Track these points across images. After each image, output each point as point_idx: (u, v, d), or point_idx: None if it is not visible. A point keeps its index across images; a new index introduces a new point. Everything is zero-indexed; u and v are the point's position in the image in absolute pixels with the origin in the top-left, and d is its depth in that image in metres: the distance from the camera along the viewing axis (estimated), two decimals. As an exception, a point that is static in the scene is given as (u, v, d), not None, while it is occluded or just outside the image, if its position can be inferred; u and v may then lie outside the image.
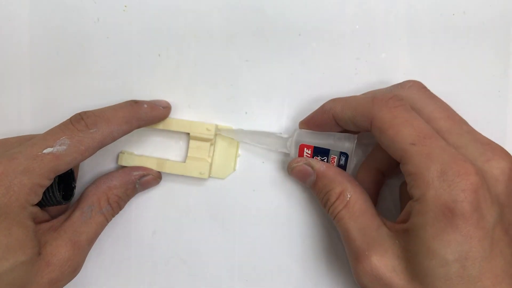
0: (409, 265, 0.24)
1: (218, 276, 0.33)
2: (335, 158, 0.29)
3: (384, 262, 0.24)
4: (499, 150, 0.25)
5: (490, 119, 0.32)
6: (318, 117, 0.30)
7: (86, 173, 0.33)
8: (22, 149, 0.26)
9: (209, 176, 0.33)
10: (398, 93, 0.28)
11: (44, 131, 0.27)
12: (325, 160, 0.30)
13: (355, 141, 0.29)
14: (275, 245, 0.33)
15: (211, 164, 0.33)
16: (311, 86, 0.33)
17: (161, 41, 0.33)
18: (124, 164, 0.33)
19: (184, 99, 0.33)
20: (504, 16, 0.32)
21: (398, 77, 0.32)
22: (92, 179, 0.32)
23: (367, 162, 0.31)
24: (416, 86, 0.29)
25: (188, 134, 0.33)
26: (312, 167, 0.29)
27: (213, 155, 0.33)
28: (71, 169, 0.30)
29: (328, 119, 0.29)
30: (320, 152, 0.30)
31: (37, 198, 0.26)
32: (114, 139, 0.28)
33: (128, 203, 0.32)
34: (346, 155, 0.29)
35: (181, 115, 0.33)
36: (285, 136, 0.31)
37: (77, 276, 0.29)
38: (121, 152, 0.33)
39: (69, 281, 0.28)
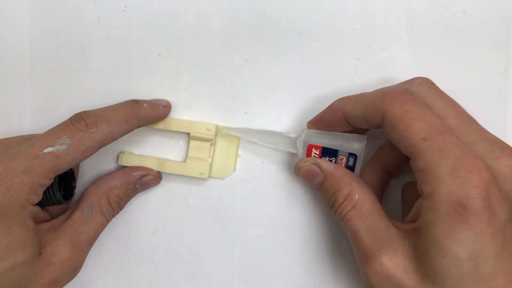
0: (420, 265, 0.23)
1: (218, 276, 0.33)
2: (343, 159, 0.29)
3: (394, 262, 0.24)
4: (508, 149, 0.25)
5: (490, 119, 0.32)
6: (327, 116, 0.29)
7: (86, 173, 0.33)
8: (22, 148, 0.26)
9: (209, 176, 0.33)
10: (409, 88, 0.27)
11: (44, 131, 0.27)
12: (334, 161, 0.29)
13: (365, 142, 0.28)
14: (275, 245, 0.33)
15: (211, 164, 0.33)
16: (311, 86, 0.33)
17: (161, 41, 0.33)
18: (124, 164, 0.33)
19: (184, 99, 0.33)
20: (504, 16, 0.32)
21: (398, 77, 0.32)
22: (92, 179, 0.32)
23: (372, 162, 0.31)
24: (426, 82, 0.28)
25: (188, 134, 0.33)
26: (320, 167, 0.29)
27: (213, 155, 0.33)
28: (71, 168, 0.30)
29: (338, 118, 0.28)
30: (328, 152, 0.29)
31: (38, 198, 0.26)
32: (114, 138, 0.28)
33: (128, 203, 0.32)
34: (355, 156, 0.29)
35: (181, 115, 0.33)
36: (293, 135, 0.31)
37: (77, 276, 0.29)
38: (121, 152, 0.33)
39: (69, 281, 0.28)
